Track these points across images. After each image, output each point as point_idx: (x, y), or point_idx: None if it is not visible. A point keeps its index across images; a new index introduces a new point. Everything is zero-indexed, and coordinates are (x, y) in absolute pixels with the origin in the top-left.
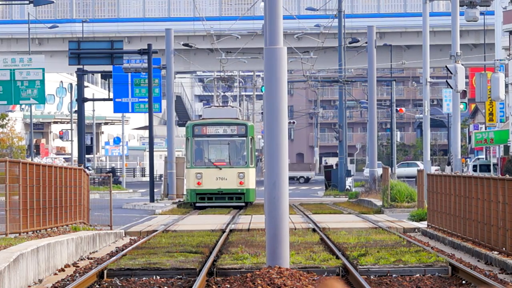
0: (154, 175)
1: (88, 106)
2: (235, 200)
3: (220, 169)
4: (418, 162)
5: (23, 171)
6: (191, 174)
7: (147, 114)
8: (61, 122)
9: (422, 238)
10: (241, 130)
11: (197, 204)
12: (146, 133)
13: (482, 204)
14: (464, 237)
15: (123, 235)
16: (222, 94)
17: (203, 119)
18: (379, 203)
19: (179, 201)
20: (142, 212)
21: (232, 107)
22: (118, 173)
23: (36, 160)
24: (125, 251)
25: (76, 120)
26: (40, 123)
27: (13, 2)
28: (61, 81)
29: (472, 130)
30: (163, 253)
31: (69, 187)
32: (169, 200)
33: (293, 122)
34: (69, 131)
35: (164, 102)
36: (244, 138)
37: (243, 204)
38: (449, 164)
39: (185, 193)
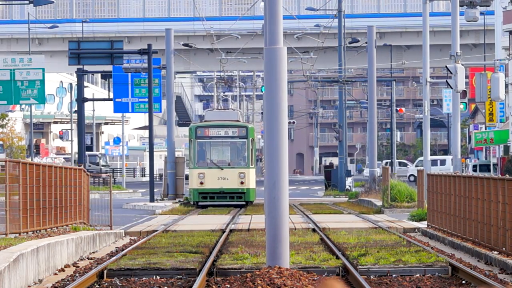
0: (154, 175)
1: (88, 106)
2: (236, 199)
3: (222, 169)
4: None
5: (23, 171)
6: (194, 174)
7: (147, 114)
8: (61, 122)
9: (422, 238)
10: (242, 132)
11: (200, 203)
12: (146, 133)
13: (482, 204)
14: (464, 237)
15: (123, 235)
16: (222, 94)
17: (205, 121)
18: (379, 203)
19: (179, 201)
20: (142, 212)
21: (233, 110)
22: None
23: (36, 160)
24: (125, 251)
25: (76, 120)
26: (40, 123)
27: (13, 2)
28: (61, 81)
29: (472, 130)
30: (163, 253)
31: (69, 187)
32: (169, 200)
33: (293, 122)
34: (69, 131)
35: (164, 102)
36: (245, 140)
37: (244, 203)
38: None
39: (184, 193)
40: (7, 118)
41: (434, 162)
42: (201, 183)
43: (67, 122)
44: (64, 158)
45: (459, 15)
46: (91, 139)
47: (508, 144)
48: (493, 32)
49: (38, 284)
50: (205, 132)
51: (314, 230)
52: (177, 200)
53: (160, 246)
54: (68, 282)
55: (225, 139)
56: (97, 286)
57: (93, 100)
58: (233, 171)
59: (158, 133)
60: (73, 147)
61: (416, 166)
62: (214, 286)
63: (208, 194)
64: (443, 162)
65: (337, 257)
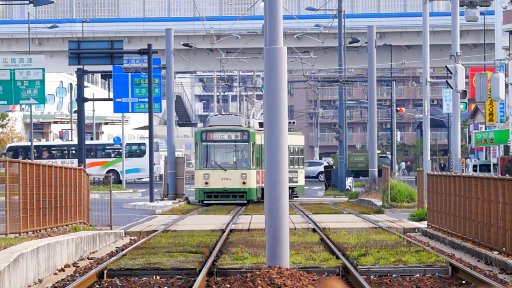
0: (154, 175)
1: (88, 106)
2: (238, 198)
3: (225, 170)
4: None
5: (23, 171)
6: (200, 175)
7: (147, 114)
8: (61, 122)
9: (422, 238)
10: (244, 136)
11: (205, 202)
12: (146, 133)
13: (482, 204)
14: (464, 237)
15: (123, 235)
16: (222, 94)
17: (210, 126)
18: (379, 203)
19: (179, 200)
20: (142, 212)
21: (236, 115)
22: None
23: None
24: (125, 251)
25: (76, 120)
26: (40, 123)
27: (13, 2)
28: (61, 81)
29: (472, 130)
30: (163, 253)
31: (69, 187)
32: (169, 200)
33: (293, 122)
34: (69, 131)
35: (164, 102)
36: (246, 143)
37: (246, 201)
38: (442, 169)
39: (184, 193)
40: (7, 118)
41: None
42: (206, 183)
43: (67, 122)
44: None
45: (459, 15)
46: (91, 139)
47: (508, 144)
48: (493, 32)
49: (38, 284)
50: (210, 136)
51: (314, 230)
52: (177, 200)
53: (160, 246)
54: (68, 282)
55: (228, 142)
56: (97, 286)
57: (93, 100)
58: (235, 172)
59: (158, 133)
60: None
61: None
62: (214, 286)
63: (213, 193)
64: None
65: (337, 257)
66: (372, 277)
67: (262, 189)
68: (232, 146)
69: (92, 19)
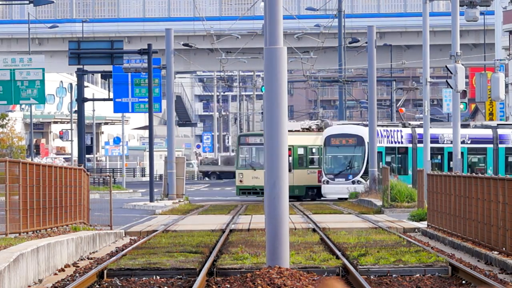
0: (154, 175)
1: (88, 106)
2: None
3: (255, 170)
4: None
5: (23, 171)
6: (237, 174)
7: (147, 114)
8: (61, 122)
9: (422, 238)
10: None
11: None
12: (146, 133)
13: (482, 204)
14: (464, 237)
15: (123, 235)
16: (222, 94)
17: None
18: (379, 203)
19: (179, 201)
20: (142, 212)
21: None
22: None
23: (36, 160)
24: (125, 251)
25: (76, 120)
26: (40, 123)
27: (13, 2)
28: (61, 81)
29: None
30: (163, 253)
31: (69, 187)
32: (169, 200)
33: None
34: (69, 131)
35: (164, 102)
36: None
37: None
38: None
39: (184, 193)
40: (7, 118)
41: None
42: (241, 181)
43: (67, 122)
44: (64, 158)
45: (459, 15)
46: (91, 139)
47: None
48: (493, 32)
49: (38, 284)
50: (245, 140)
51: (314, 230)
52: (177, 200)
53: (160, 246)
54: (68, 282)
55: (259, 145)
56: (97, 286)
57: (93, 100)
58: (263, 171)
59: (158, 133)
60: (73, 147)
61: None
62: (214, 286)
63: (246, 190)
64: None
65: (337, 257)
66: (372, 277)
67: (295, 187)
68: (262, 149)
69: (92, 19)
